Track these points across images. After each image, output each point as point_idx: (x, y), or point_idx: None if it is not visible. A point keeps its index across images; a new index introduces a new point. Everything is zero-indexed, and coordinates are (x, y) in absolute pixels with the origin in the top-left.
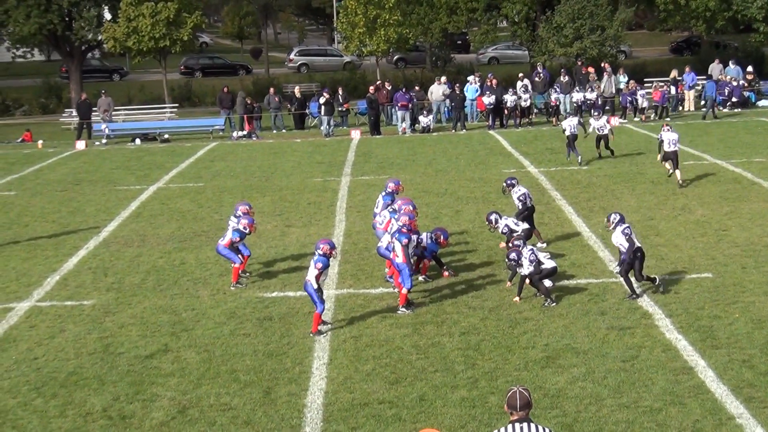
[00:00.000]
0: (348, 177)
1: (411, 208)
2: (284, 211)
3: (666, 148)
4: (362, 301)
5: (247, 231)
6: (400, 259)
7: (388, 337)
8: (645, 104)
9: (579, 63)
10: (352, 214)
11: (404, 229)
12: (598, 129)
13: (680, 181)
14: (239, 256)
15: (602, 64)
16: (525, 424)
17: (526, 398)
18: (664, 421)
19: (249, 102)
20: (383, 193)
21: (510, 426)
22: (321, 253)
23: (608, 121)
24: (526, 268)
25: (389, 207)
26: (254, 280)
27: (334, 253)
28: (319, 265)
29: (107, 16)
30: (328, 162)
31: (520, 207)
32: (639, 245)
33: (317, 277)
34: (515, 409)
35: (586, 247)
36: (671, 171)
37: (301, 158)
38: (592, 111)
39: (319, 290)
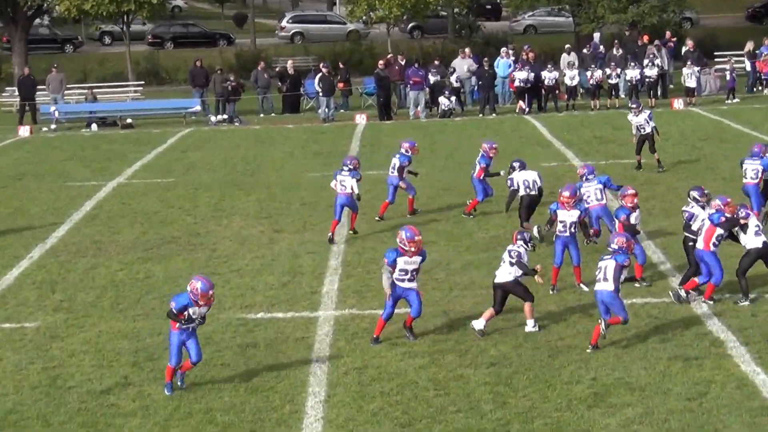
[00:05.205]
0: None
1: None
2: (273, 213)
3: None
4: (368, 325)
5: (409, 154)
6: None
7: (400, 368)
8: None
9: (627, 32)
10: (357, 216)
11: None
12: (638, 127)
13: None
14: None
15: (644, 37)
16: None
17: None
18: None
19: (228, 80)
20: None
21: None
22: (398, 240)
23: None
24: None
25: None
26: (236, 297)
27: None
28: (384, 262)
29: None
30: (327, 152)
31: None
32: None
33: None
34: None
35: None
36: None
37: (295, 148)
38: (630, 103)
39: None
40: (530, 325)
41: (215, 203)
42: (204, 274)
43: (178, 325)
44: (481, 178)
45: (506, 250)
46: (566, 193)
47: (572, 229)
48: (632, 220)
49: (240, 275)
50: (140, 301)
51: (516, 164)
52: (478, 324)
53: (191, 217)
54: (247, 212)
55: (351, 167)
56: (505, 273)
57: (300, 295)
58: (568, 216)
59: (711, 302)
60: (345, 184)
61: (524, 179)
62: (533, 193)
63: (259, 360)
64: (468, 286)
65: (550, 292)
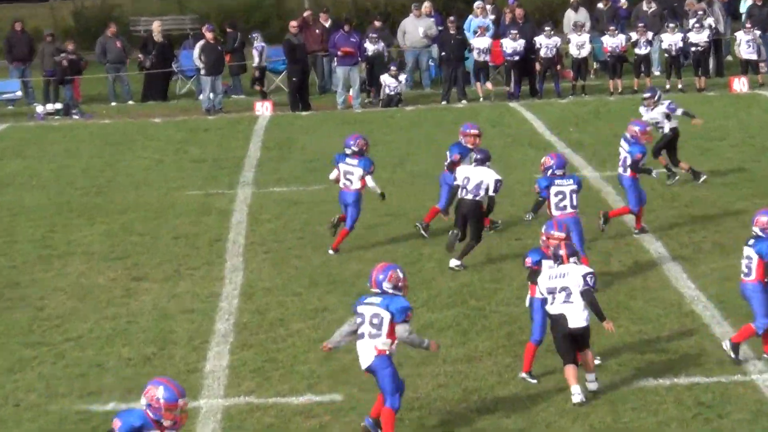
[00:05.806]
0: (249, 187)
1: None
2: (130, 252)
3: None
4: (273, 419)
5: (465, 141)
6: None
7: None
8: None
9: None
10: (257, 256)
11: None
12: (655, 125)
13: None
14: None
15: None
16: None
17: None
18: None
19: (63, 51)
20: None
21: None
22: (390, 286)
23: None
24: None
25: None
26: (73, 380)
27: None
28: (408, 317)
29: None
30: (212, 160)
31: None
32: None
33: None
34: None
35: (689, 316)
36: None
37: (164, 153)
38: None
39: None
40: (591, 380)
41: (43, 237)
42: (167, 377)
43: None
44: (636, 176)
45: (562, 275)
46: (558, 234)
47: None
48: None
49: (80, 346)
50: None
51: (476, 155)
52: (593, 384)
53: (6, 258)
54: (90, 250)
55: (356, 149)
56: (585, 315)
57: (172, 375)
58: None
59: None
60: (352, 177)
61: (465, 176)
62: (468, 197)
63: None
64: (426, 359)
65: (522, 378)
